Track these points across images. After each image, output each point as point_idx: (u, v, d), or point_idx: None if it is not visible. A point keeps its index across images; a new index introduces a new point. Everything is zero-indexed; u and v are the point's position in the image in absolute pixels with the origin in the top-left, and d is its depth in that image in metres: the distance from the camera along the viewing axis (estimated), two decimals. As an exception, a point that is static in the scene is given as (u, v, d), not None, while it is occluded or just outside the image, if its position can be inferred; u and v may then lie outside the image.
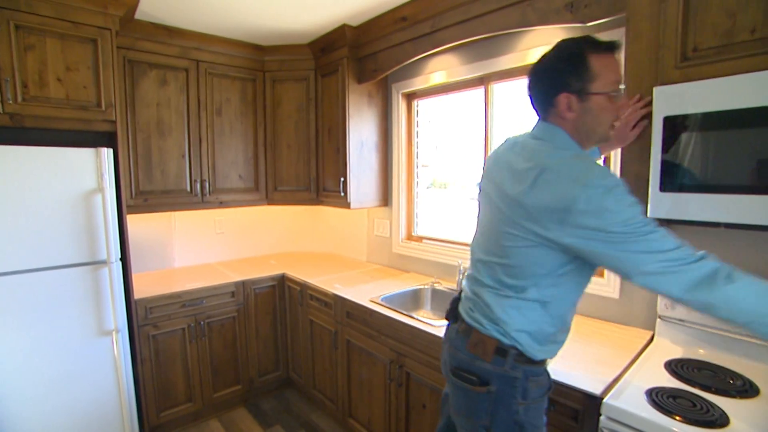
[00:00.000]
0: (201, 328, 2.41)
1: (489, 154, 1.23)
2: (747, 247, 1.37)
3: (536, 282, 1.00)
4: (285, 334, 2.78)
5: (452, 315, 1.23)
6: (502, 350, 1.03)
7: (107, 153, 1.94)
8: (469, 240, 2.36)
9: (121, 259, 2.03)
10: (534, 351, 1.03)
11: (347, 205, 2.57)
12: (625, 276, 0.90)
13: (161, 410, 2.30)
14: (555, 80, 0.98)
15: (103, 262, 1.96)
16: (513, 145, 1.12)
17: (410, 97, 2.62)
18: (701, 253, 0.88)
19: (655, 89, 1.19)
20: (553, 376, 1.28)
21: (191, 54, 2.50)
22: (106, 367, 2.00)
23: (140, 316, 2.19)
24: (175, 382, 2.35)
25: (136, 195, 2.39)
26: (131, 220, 2.54)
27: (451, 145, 2.58)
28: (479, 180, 1.23)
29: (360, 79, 2.53)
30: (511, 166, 1.05)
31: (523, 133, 1.14)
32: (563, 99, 0.97)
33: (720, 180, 1.10)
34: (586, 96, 0.96)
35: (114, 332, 1.99)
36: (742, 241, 1.37)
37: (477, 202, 1.23)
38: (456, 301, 1.24)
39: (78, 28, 1.88)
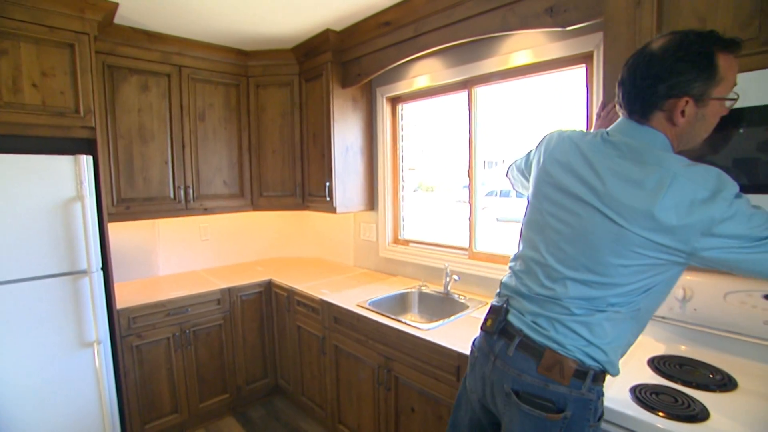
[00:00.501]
0: (186, 336, 2.37)
1: (555, 140, 1.05)
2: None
3: (636, 294, 0.91)
4: (272, 341, 2.75)
5: (499, 329, 1.07)
6: (581, 372, 0.93)
7: (86, 160, 1.90)
8: (457, 242, 2.36)
9: (102, 269, 1.98)
10: (616, 364, 0.97)
11: (333, 210, 2.56)
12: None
13: (146, 422, 2.25)
14: (675, 82, 0.85)
15: (84, 272, 1.92)
16: (593, 136, 0.98)
17: (395, 101, 2.63)
18: None
19: (632, 92, 1.22)
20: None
21: (173, 59, 2.47)
22: (88, 380, 1.95)
23: (123, 327, 2.14)
24: (160, 392, 2.30)
25: (118, 202, 2.34)
26: (113, 228, 2.49)
27: (437, 149, 2.60)
28: (539, 169, 1.06)
29: (344, 84, 2.53)
30: (604, 156, 0.92)
31: (591, 131, 1.02)
32: (682, 103, 0.85)
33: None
34: (705, 101, 0.85)
35: (95, 344, 1.94)
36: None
37: (537, 199, 1.06)
38: (506, 311, 1.07)
39: (54, 32, 1.84)
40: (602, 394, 0.98)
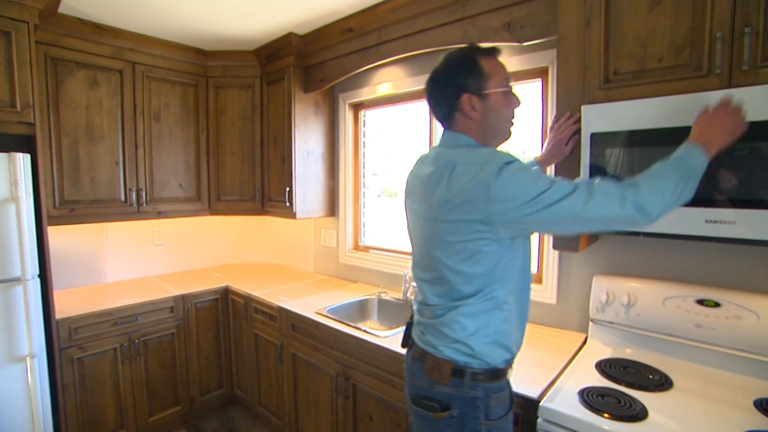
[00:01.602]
0: (135, 347, 2.24)
1: (408, 175, 1.22)
2: (663, 253, 1.49)
3: (480, 282, 0.99)
4: (229, 350, 2.66)
5: (406, 341, 1.19)
6: (458, 371, 1.00)
7: (23, 158, 1.76)
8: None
9: (40, 276, 1.84)
10: (495, 356, 1.01)
11: (293, 216, 2.52)
12: (573, 224, 0.92)
13: (87, 440, 2.10)
14: (455, 84, 1.03)
15: (17, 280, 1.76)
16: (425, 159, 1.15)
17: (357, 107, 2.63)
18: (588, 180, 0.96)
19: (583, 107, 1.28)
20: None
21: (126, 55, 2.35)
22: (18, 398, 1.78)
23: (63, 338, 1.99)
24: (104, 408, 2.15)
25: (61, 204, 2.19)
26: (55, 232, 2.33)
27: (401, 155, 2.62)
28: (404, 202, 1.22)
29: (306, 89, 2.51)
30: (425, 176, 1.06)
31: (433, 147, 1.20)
32: (466, 99, 1.03)
33: (638, 192, 1.20)
34: (485, 95, 1.02)
35: (29, 358, 1.79)
36: (660, 247, 1.50)
37: (407, 226, 1.21)
38: (409, 326, 1.21)
39: (-13, 19, 1.71)
40: (495, 391, 1.01)
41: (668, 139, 1.12)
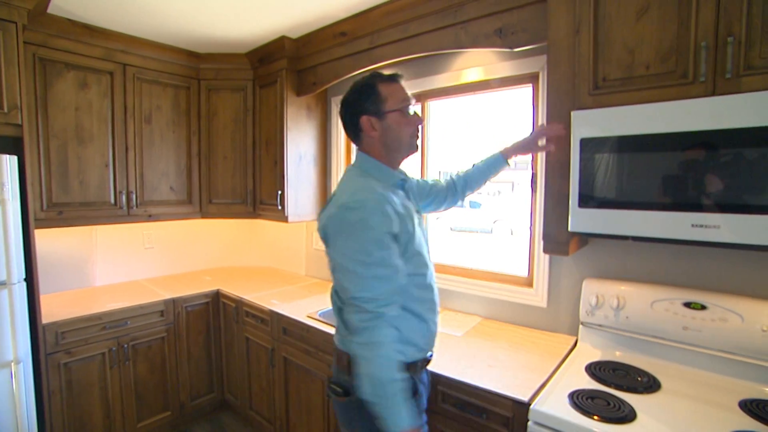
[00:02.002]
0: (124, 351, 2.21)
1: None
2: (652, 256, 1.52)
3: None
4: (219, 354, 2.63)
5: None
6: (353, 361, 1.09)
7: (10, 160, 1.73)
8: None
9: (26, 279, 1.81)
10: None
11: (285, 219, 2.51)
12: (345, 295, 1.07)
13: (73, 447, 2.07)
14: (356, 108, 1.16)
15: (2, 284, 1.73)
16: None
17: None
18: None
19: (572, 113, 1.30)
20: (484, 384, 1.33)
21: (117, 57, 2.33)
22: (2, 405, 1.73)
23: (49, 343, 1.96)
24: (91, 414, 2.12)
25: (49, 207, 2.16)
26: (43, 235, 2.29)
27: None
28: None
29: (299, 92, 2.51)
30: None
31: None
32: (365, 120, 1.15)
33: (627, 197, 1.22)
34: (383, 115, 1.14)
35: (13, 363, 1.75)
36: (649, 251, 1.52)
37: None
38: None
39: (-26, 19, 1.68)
40: None
41: (656, 144, 1.15)
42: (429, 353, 1.23)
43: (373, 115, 1.14)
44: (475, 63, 1.96)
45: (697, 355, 1.36)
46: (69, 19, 2.11)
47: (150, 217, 2.55)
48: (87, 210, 2.29)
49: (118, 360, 2.19)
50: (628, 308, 1.49)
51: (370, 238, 1.01)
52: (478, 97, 2.09)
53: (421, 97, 2.22)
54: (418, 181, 1.47)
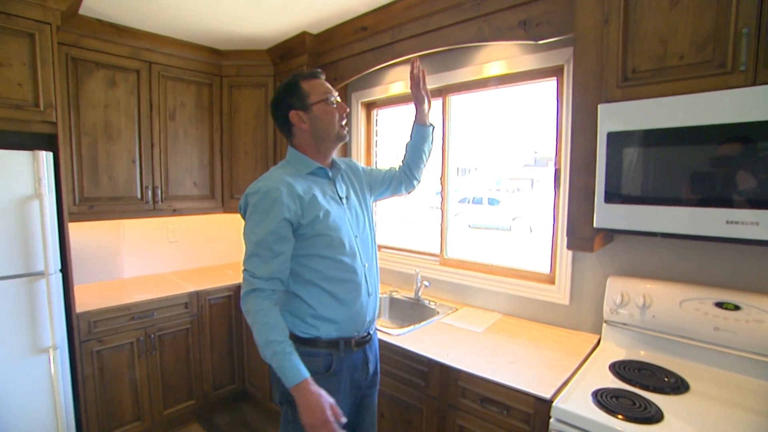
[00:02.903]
0: (151, 341, 2.29)
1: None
2: (681, 254, 1.47)
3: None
4: (241, 346, 2.69)
5: None
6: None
7: (46, 156, 1.81)
8: (429, 248, 2.39)
9: (61, 270, 1.89)
10: (294, 328, 1.22)
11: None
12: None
13: (105, 431, 2.15)
14: (284, 106, 1.25)
15: (40, 274, 1.82)
16: None
17: (370, 106, 2.63)
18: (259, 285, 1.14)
19: (599, 106, 1.27)
20: (505, 380, 1.33)
21: (143, 55, 2.39)
22: (42, 388, 1.84)
23: (83, 331, 2.04)
24: (122, 400, 2.20)
25: (81, 202, 2.24)
26: (75, 228, 2.38)
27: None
28: None
29: (321, 87, 2.52)
30: None
31: None
32: (294, 115, 1.24)
33: (656, 193, 1.19)
34: (309, 107, 1.23)
35: (51, 349, 1.84)
36: (678, 249, 1.48)
37: None
38: None
39: (12, 20, 1.75)
40: (306, 354, 1.15)
41: (688, 137, 1.11)
42: (357, 333, 1.26)
43: (300, 109, 1.24)
44: (498, 56, 1.93)
45: (729, 357, 1.31)
46: (98, 20, 2.18)
47: (174, 212, 2.61)
48: (115, 204, 2.36)
49: (146, 349, 2.27)
50: (655, 307, 1.45)
51: (258, 221, 1.15)
52: (501, 91, 2.06)
53: (442, 91, 2.20)
54: (372, 170, 1.52)
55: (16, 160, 1.75)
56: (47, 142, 1.97)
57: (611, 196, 1.27)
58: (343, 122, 1.28)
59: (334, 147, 1.30)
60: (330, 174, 1.30)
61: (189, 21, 2.22)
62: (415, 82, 1.43)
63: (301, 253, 1.20)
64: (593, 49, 1.31)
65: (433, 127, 1.53)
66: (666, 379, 1.29)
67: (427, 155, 1.55)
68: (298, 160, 1.27)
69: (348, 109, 1.31)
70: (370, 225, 1.38)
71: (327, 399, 1.08)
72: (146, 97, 2.43)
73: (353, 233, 1.28)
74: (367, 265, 1.29)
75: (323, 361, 1.21)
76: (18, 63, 1.78)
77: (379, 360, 1.69)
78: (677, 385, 1.25)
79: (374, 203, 1.58)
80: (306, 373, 1.09)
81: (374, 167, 1.55)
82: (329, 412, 1.06)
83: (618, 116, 1.23)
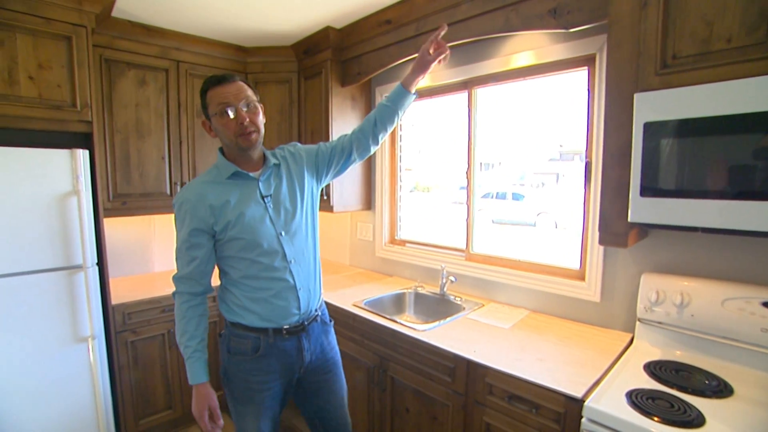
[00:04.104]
0: (181, 333, 2.35)
1: None
2: (723, 251, 1.40)
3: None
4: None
5: None
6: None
7: (83, 154, 1.88)
8: (453, 243, 2.37)
9: (97, 264, 1.97)
10: (225, 313, 1.34)
11: (330, 209, 2.55)
12: None
13: (140, 418, 2.24)
14: (202, 112, 1.30)
15: (79, 267, 1.90)
16: None
17: (395, 99, 2.61)
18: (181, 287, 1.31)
19: (635, 95, 1.22)
20: (534, 378, 1.30)
21: (171, 54, 2.45)
22: (82, 375, 1.93)
23: (118, 322, 2.12)
24: (155, 388, 2.28)
25: (114, 198, 2.32)
26: (108, 223, 2.46)
27: (434, 149, 2.59)
28: None
29: (344, 82, 2.52)
30: None
31: None
32: (204, 123, 1.31)
33: (698, 186, 1.13)
34: (210, 119, 1.27)
35: (90, 339, 1.93)
36: (719, 245, 1.41)
37: None
38: None
39: (51, 24, 1.82)
40: (235, 335, 1.32)
41: (733, 126, 1.05)
42: (286, 324, 1.32)
43: (207, 118, 1.29)
44: (526, 47, 1.87)
45: (777, 359, 1.24)
46: (130, 21, 2.24)
47: (203, 207, 2.67)
48: (146, 200, 2.44)
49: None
50: (694, 306, 1.39)
51: (177, 229, 1.29)
52: (526, 83, 2.00)
53: (468, 84, 2.16)
54: (318, 148, 1.48)
55: (56, 158, 1.82)
56: (83, 140, 2.04)
57: (647, 190, 1.21)
58: (244, 132, 1.24)
59: (243, 154, 1.30)
60: (253, 175, 1.32)
61: (215, 19, 2.26)
62: (437, 46, 1.35)
63: (222, 255, 1.30)
64: (629, 36, 1.25)
65: (416, 96, 1.48)
66: (707, 382, 1.23)
67: (396, 123, 1.48)
68: (221, 164, 1.31)
69: (247, 119, 1.24)
70: (305, 218, 1.39)
71: (210, 401, 1.27)
72: (174, 96, 2.49)
73: (276, 231, 1.30)
74: (293, 260, 1.33)
75: (251, 343, 1.30)
76: (57, 65, 1.85)
77: (412, 356, 1.70)
78: (719, 389, 1.19)
79: (330, 181, 1.59)
80: (199, 379, 1.25)
81: (321, 144, 1.49)
82: (206, 412, 1.26)
83: (656, 105, 1.18)
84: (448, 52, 1.36)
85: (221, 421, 1.28)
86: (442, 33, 1.35)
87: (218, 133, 1.28)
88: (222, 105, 1.23)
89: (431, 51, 1.35)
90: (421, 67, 1.38)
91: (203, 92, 1.27)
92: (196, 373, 1.25)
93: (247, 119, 1.25)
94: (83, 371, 1.93)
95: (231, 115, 1.23)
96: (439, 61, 1.37)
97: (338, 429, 1.51)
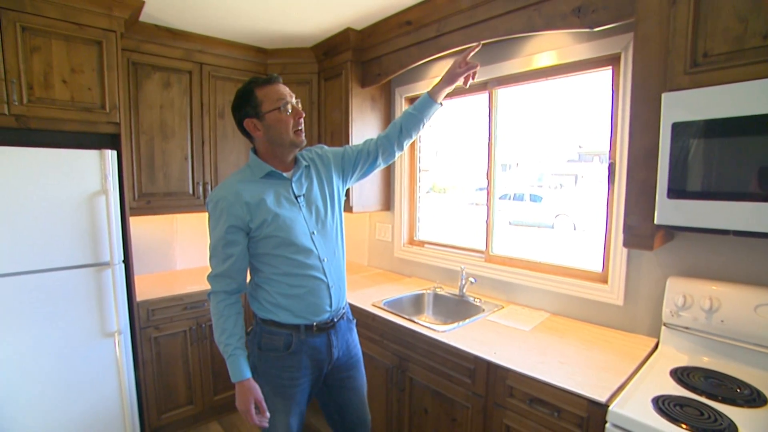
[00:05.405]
0: (202, 330, 2.40)
1: None
2: (755, 255, 1.36)
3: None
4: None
5: None
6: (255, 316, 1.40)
7: (111, 155, 1.94)
8: (471, 244, 2.35)
9: (123, 261, 2.02)
10: (257, 311, 1.36)
11: (350, 210, 2.56)
12: None
13: (162, 412, 2.29)
14: (240, 114, 1.30)
15: (107, 264, 1.96)
16: None
17: (413, 101, 2.61)
18: (221, 284, 1.30)
19: (663, 95, 1.19)
20: (556, 381, 1.29)
21: (195, 56, 2.50)
22: (108, 369, 2.00)
23: (142, 318, 2.18)
24: (177, 384, 2.34)
25: (139, 197, 2.38)
26: (133, 222, 2.53)
27: (452, 150, 2.58)
28: None
29: (363, 83, 2.53)
30: None
31: None
32: (249, 123, 1.29)
33: (728, 187, 1.10)
34: (262, 116, 1.27)
35: (116, 334, 1.99)
36: (751, 249, 1.36)
37: None
38: None
39: (83, 30, 1.89)
40: (267, 332, 1.34)
41: (766, 126, 1.01)
42: (318, 320, 1.34)
43: (254, 117, 1.27)
44: (548, 47, 1.85)
45: (812, 367, 1.20)
46: (156, 25, 2.30)
47: (224, 207, 2.72)
48: (170, 199, 2.49)
49: (198, 338, 2.38)
50: (724, 311, 1.35)
51: (212, 227, 1.29)
52: (545, 84, 1.98)
53: (488, 84, 2.15)
54: (344, 151, 1.51)
55: (86, 158, 1.89)
56: (111, 141, 2.11)
57: (675, 192, 1.19)
58: (299, 128, 1.31)
59: (290, 153, 1.34)
60: (286, 175, 1.34)
61: (237, 21, 2.30)
62: (466, 63, 1.41)
63: (257, 252, 1.31)
64: (657, 34, 1.22)
65: (441, 106, 1.51)
66: (738, 390, 1.19)
67: (421, 130, 1.52)
68: (255, 164, 1.33)
69: (303, 114, 1.32)
70: (334, 218, 1.41)
71: (255, 395, 1.27)
72: (197, 97, 2.54)
73: (309, 230, 1.33)
74: (326, 260, 1.35)
75: (284, 339, 1.32)
76: (88, 69, 1.92)
77: (431, 357, 1.70)
78: (752, 398, 1.15)
79: (355, 183, 1.60)
80: (242, 376, 1.26)
81: (347, 147, 1.53)
82: (252, 406, 1.26)
83: (685, 105, 1.15)
84: (477, 67, 1.42)
85: (268, 414, 1.28)
86: (476, 51, 1.42)
87: (271, 129, 1.28)
88: (281, 101, 1.26)
89: (462, 66, 1.40)
90: (450, 79, 1.43)
91: (249, 92, 1.27)
92: (239, 370, 1.26)
93: (304, 115, 1.33)
94: (110, 365, 2.00)
95: (290, 110, 1.27)
96: (468, 77, 1.42)
97: (357, 424, 1.52)
